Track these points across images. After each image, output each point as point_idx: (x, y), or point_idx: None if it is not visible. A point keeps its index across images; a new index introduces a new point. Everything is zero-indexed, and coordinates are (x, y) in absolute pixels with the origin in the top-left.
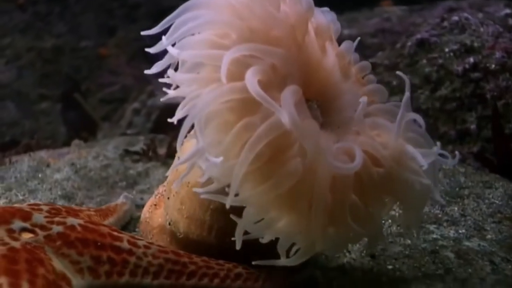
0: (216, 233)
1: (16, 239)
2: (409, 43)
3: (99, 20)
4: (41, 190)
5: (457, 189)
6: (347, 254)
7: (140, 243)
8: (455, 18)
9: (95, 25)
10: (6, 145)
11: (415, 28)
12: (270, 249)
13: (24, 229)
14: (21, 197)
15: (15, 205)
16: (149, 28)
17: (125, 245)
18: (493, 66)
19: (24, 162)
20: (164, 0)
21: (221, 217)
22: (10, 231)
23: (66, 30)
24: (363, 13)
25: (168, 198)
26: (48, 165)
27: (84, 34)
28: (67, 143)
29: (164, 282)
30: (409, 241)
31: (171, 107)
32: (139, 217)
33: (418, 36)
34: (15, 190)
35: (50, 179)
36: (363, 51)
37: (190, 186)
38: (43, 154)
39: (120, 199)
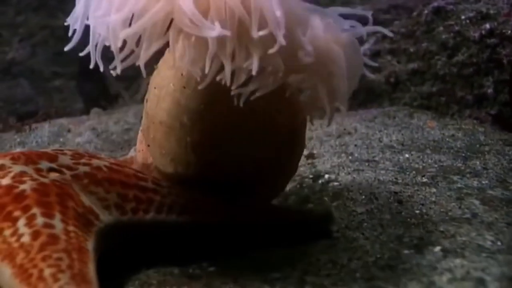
0: (200, 167)
1: (44, 177)
2: (425, 11)
3: None
4: None
5: (477, 145)
6: (374, 200)
7: (164, 183)
8: None
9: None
10: (23, 116)
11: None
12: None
13: (52, 169)
14: None
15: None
16: None
17: (150, 184)
18: (509, 32)
19: (44, 128)
20: None
21: (200, 148)
22: (38, 170)
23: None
24: None
25: (148, 145)
26: (69, 130)
27: None
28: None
29: (190, 218)
30: (434, 189)
31: None
32: None
33: (435, 4)
34: None
35: (72, 142)
36: (375, 23)
37: (162, 124)
38: (63, 121)
39: (132, 152)
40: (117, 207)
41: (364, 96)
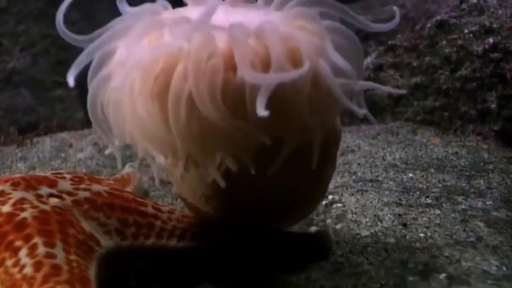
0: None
1: (44, 203)
2: (428, 25)
3: (113, 7)
4: (65, 168)
5: (481, 163)
6: (379, 223)
7: (164, 208)
8: (474, 0)
9: (109, 13)
10: (24, 129)
11: (430, 14)
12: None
13: (52, 195)
14: None
15: (39, 173)
16: None
17: (150, 210)
18: None
19: (46, 143)
20: None
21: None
22: (38, 196)
23: (80, 17)
24: (378, 1)
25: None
26: (70, 145)
27: (99, 22)
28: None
29: (189, 244)
30: (438, 211)
31: None
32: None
33: (438, 17)
34: (38, 169)
35: (73, 158)
36: (378, 37)
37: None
38: (64, 135)
39: (127, 168)
40: (117, 232)
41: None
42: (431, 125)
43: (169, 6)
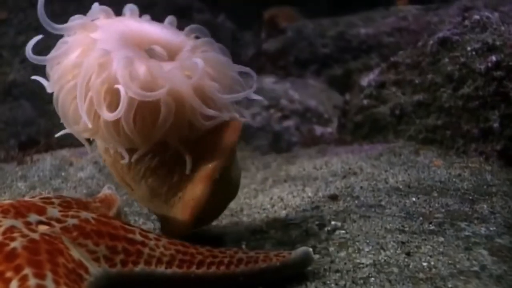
0: None
1: (34, 231)
2: (431, 42)
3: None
4: (66, 188)
5: (484, 186)
6: (382, 251)
7: (151, 235)
8: (476, 17)
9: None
10: (25, 144)
11: (431, 27)
12: None
13: (41, 222)
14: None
15: (26, 198)
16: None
17: (138, 237)
18: None
19: (46, 161)
20: None
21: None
22: (27, 224)
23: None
24: (379, 13)
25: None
26: (71, 164)
27: None
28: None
29: (177, 271)
30: (442, 238)
31: None
32: None
33: (440, 34)
34: (39, 188)
35: (74, 177)
36: (380, 50)
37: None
38: (64, 152)
39: (106, 190)
40: (106, 259)
41: (369, 129)
42: (433, 143)
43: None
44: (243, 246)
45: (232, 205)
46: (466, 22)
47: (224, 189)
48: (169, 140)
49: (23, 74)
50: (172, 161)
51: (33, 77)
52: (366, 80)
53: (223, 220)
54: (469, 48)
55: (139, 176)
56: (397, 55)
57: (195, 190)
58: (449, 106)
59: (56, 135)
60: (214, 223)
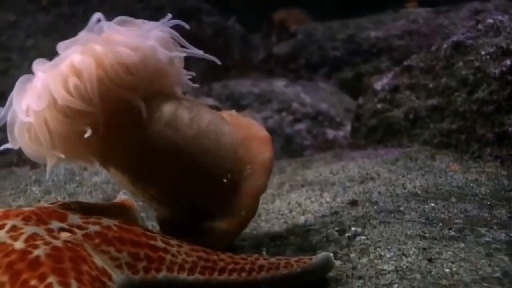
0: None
1: (56, 238)
2: (444, 46)
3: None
4: (81, 193)
5: (502, 191)
6: (403, 257)
7: (173, 242)
8: (490, 20)
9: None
10: None
11: (442, 30)
12: None
13: (62, 229)
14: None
15: (45, 204)
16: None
17: (159, 243)
18: None
19: (59, 165)
20: (188, 1)
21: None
22: (49, 231)
23: None
24: (388, 15)
25: None
26: (85, 169)
27: None
28: None
29: (199, 277)
30: (462, 244)
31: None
32: None
33: (454, 38)
34: (54, 193)
35: (89, 182)
36: (390, 53)
37: None
38: None
39: (122, 195)
40: (129, 266)
41: (383, 133)
42: (448, 148)
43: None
44: (263, 253)
45: None
46: (480, 26)
47: None
48: (130, 98)
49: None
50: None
51: None
52: (380, 84)
53: None
54: (483, 52)
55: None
56: (411, 59)
57: (244, 204)
58: (464, 110)
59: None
60: None
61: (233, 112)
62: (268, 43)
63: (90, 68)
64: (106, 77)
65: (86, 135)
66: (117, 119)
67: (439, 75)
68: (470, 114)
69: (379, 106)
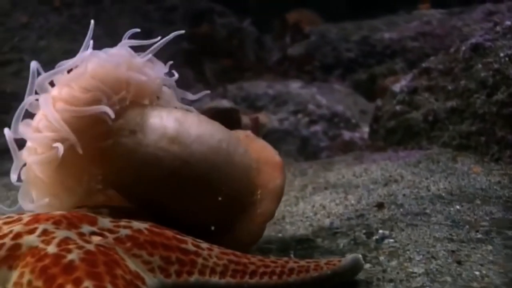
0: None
1: (88, 242)
2: (463, 48)
3: (135, 23)
4: None
5: None
6: (433, 260)
7: (203, 245)
8: (508, 22)
9: (131, 28)
10: None
11: (456, 31)
12: None
13: (93, 233)
14: None
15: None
16: (186, 29)
17: (190, 247)
18: None
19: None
20: (201, 3)
21: None
22: (81, 235)
23: (102, 33)
24: (401, 17)
25: None
26: None
27: (120, 37)
28: None
29: (230, 281)
30: (490, 247)
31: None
32: None
33: (473, 40)
34: None
35: None
36: (404, 54)
37: None
38: None
39: None
40: (161, 270)
41: (402, 135)
42: (467, 150)
43: None
44: (291, 255)
45: None
46: (498, 28)
47: None
48: None
49: None
50: None
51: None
52: (398, 86)
53: (266, 228)
54: (502, 54)
55: None
56: (429, 60)
57: (252, 227)
58: (483, 112)
59: None
60: None
61: (249, 133)
62: (283, 44)
63: (46, 100)
64: (64, 102)
65: (59, 151)
66: (94, 136)
67: (458, 77)
68: (490, 116)
69: (397, 108)
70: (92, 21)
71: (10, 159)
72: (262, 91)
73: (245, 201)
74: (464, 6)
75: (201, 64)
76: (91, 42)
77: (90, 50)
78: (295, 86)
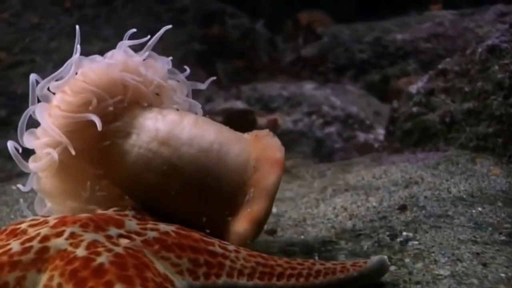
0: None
1: (116, 245)
2: (479, 49)
3: (146, 24)
4: None
5: None
6: (458, 262)
7: (230, 247)
8: None
9: (142, 29)
10: None
11: (468, 32)
12: None
13: (121, 235)
14: None
15: (100, 211)
16: (197, 30)
17: (218, 249)
18: None
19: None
20: (212, 4)
21: None
22: (109, 237)
23: (113, 33)
24: (413, 18)
25: None
26: None
27: (131, 38)
28: None
29: (258, 283)
30: None
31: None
32: None
33: (489, 42)
34: None
35: None
36: (417, 55)
37: None
38: None
39: None
40: (189, 272)
41: (418, 136)
42: (484, 151)
43: None
44: (316, 258)
45: (295, 215)
46: None
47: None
48: None
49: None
50: None
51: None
52: (415, 87)
53: (288, 230)
54: None
55: None
56: (445, 62)
57: (239, 227)
58: (500, 114)
59: None
60: (280, 233)
61: (259, 132)
62: (296, 45)
63: (41, 109)
64: (58, 108)
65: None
66: (90, 138)
67: (474, 78)
68: (507, 118)
69: (414, 109)
70: (77, 27)
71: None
72: (276, 92)
73: (237, 202)
74: (474, 7)
75: (213, 65)
76: (78, 47)
77: (78, 55)
78: (309, 87)
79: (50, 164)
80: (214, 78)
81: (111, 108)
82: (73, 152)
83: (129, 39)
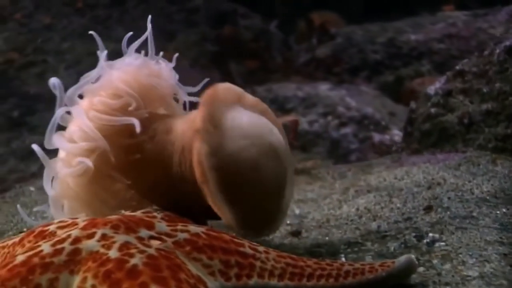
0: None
1: (148, 246)
2: (497, 50)
3: (158, 25)
4: None
5: None
6: (486, 263)
7: (260, 248)
8: None
9: (154, 30)
10: None
11: (481, 33)
12: None
13: (152, 237)
14: None
15: (127, 213)
16: (210, 31)
17: (248, 250)
18: None
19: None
20: (223, 4)
21: None
22: (140, 239)
23: (125, 34)
24: (426, 18)
25: None
26: None
27: (135, 39)
28: None
29: (288, 283)
30: None
31: None
32: None
33: (507, 43)
34: None
35: None
36: (431, 56)
37: None
38: None
39: None
40: (221, 273)
41: (437, 137)
42: (503, 152)
43: None
44: (343, 259)
45: (318, 216)
46: None
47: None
48: None
49: (68, 80)
50: None
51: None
52: (433, 88)
53: (312, 231)
54: None
55: None
56: (462, 63)
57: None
58: None
59: None
60: (304, 234)
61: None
62: (310, 46)
63: (79, 111)
64: (96, 110)
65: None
66: (125, 145)
67: (492, 79)
68: None
69: (432, 110)
70: (94, 33)
71: (34, 161)
72: (291, 93)
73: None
74: (485, 8)
75: (226, 66)
76: (105, 52)
77: (104, 60)
78: (324, 88)
79: (85, 170)
80: (208, 79)
81: (146, 115)
82: (113, 159)
83: (131, 40)
